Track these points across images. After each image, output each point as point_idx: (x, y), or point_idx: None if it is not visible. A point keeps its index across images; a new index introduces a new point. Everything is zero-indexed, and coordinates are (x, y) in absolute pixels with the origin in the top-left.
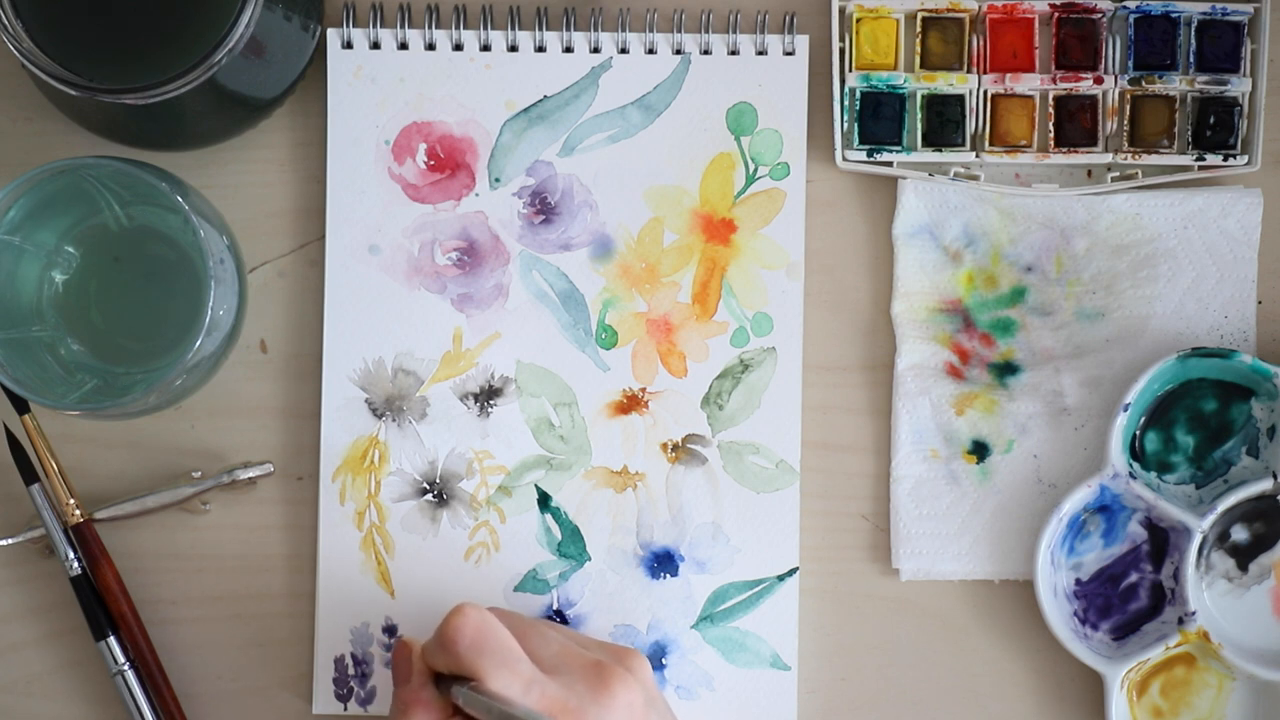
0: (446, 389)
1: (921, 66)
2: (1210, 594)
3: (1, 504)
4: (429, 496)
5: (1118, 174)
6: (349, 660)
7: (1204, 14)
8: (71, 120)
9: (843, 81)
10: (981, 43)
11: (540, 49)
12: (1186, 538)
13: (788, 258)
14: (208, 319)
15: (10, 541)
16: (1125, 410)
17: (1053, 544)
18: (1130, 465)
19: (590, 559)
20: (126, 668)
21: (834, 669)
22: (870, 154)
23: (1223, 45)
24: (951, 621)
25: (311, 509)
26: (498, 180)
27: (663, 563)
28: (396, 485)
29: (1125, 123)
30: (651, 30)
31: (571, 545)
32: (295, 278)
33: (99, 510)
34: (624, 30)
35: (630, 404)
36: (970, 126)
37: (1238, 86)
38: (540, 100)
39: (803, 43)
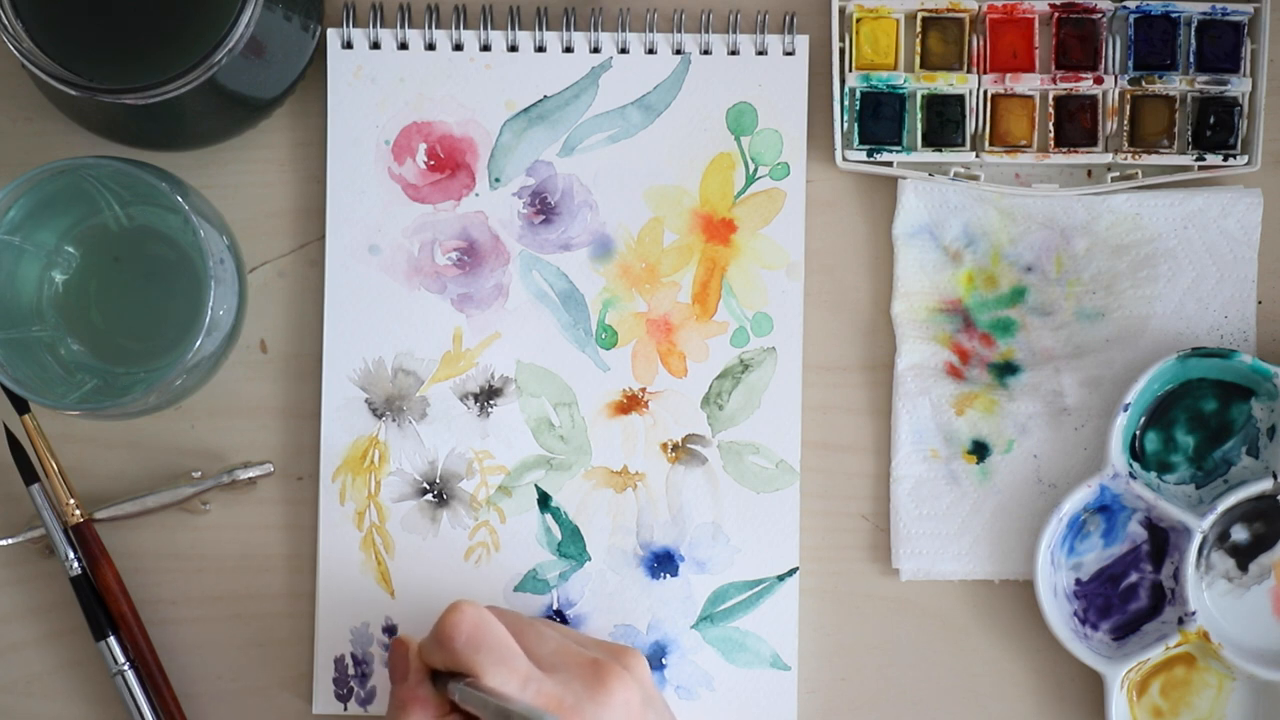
0: (446, 389)
1: (921, 66)
2: (1210, 594)
3: (1, 504)
4: (429, 496)
5: (1118, 174)
6: (349, 660)
7: (1204, 14)
8: (71, 120)
9: (843, 81)
10: (981, 43)
11: (540, 49)
12: (1186, 538)
13: (788, 258)
14: (208, 319)
15: (10, 541)
16: (1125, 410)
17: (1053, 544)
18: (1130, 465)
19: (590, 559)
20: (126, 668)
21: (834, 669)
22: (870, 154)
23: (1223, 45)
24: (951, 621)
25: (311, 509)
26: (498, 180)
27: (663, 563)
28: (396, 485)
29: (1125, 123)
30: (651, 30)
31: (571, 545)
32: (295, 278)
33: (99, 510)
34: (624, 30)
35: (630, 404)
36: (970, 126)
37: (1238, 86)
38: (540, 100)
39: (803, 43)
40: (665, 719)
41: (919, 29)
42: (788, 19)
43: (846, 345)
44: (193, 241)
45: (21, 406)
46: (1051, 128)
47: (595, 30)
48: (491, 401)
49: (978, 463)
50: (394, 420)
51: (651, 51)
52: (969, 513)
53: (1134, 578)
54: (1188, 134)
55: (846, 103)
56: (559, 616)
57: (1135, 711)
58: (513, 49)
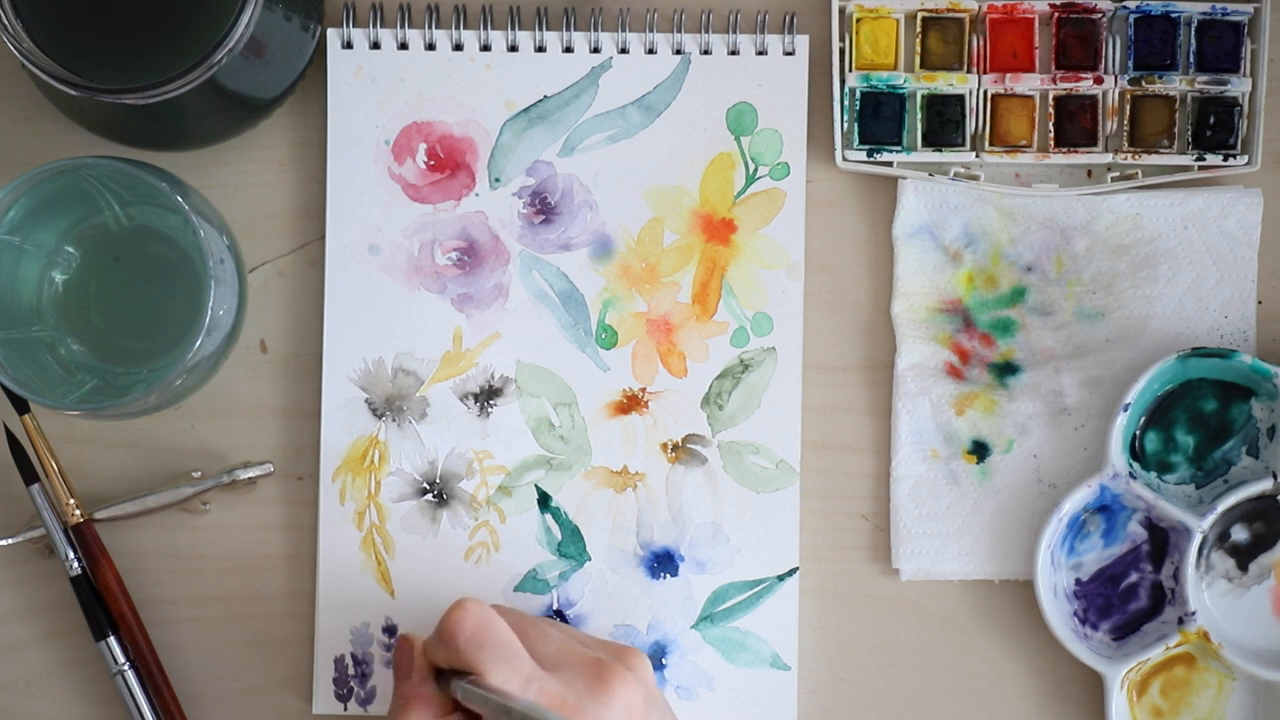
0: (446, 389)
1: (921, 66)
2: (1210, 594)
3: (1, 504)
4: (429, 496)
5: (1118, 174)
6: (349, 660)
7: (1204, 14)
8: (71, 120)
9: (843, 81)
10: (981, 43)
11: (540, 49)
12: (1186, 538)
13: (788, 258)
14: (208, 319)
15: (10, 541)
16: (1125, 410)
17: (1053, 544)
18: (1130, 465)
19: (590, 559)
20: (126, 668)
21: (834, 669)
22: (870, 154)
23: (1223, 45)
24: (951, 621)
25: (311, 509)
26: (498, 180)
27: (663, 563)
28: (396, 485)
29: (1125, 123)
30: (651, 30)
31: (571, 545)
32: (295, 278)
33: (99, 510)
34: (624, 30)
35: (630, 404)
36: (970, 126)
37: (1238, 86)
38: (540, 100)
39: (803, 43)
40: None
41: (919, 29)
42: (788, 19)
43: (846, 345)
44: (193, 241)
45: (21, 406)
46: (1051, 128)
47: (595, 30)
48: (491, 401)
49: (978, 463)
50: (394, 420)
51: (651, 51)
52: (969, 513)
53: (1134, 578)
54: (1188, 134)
55: (846, 103)
56: (559, 616)
57: (1135, 711)
58: (513, 49)
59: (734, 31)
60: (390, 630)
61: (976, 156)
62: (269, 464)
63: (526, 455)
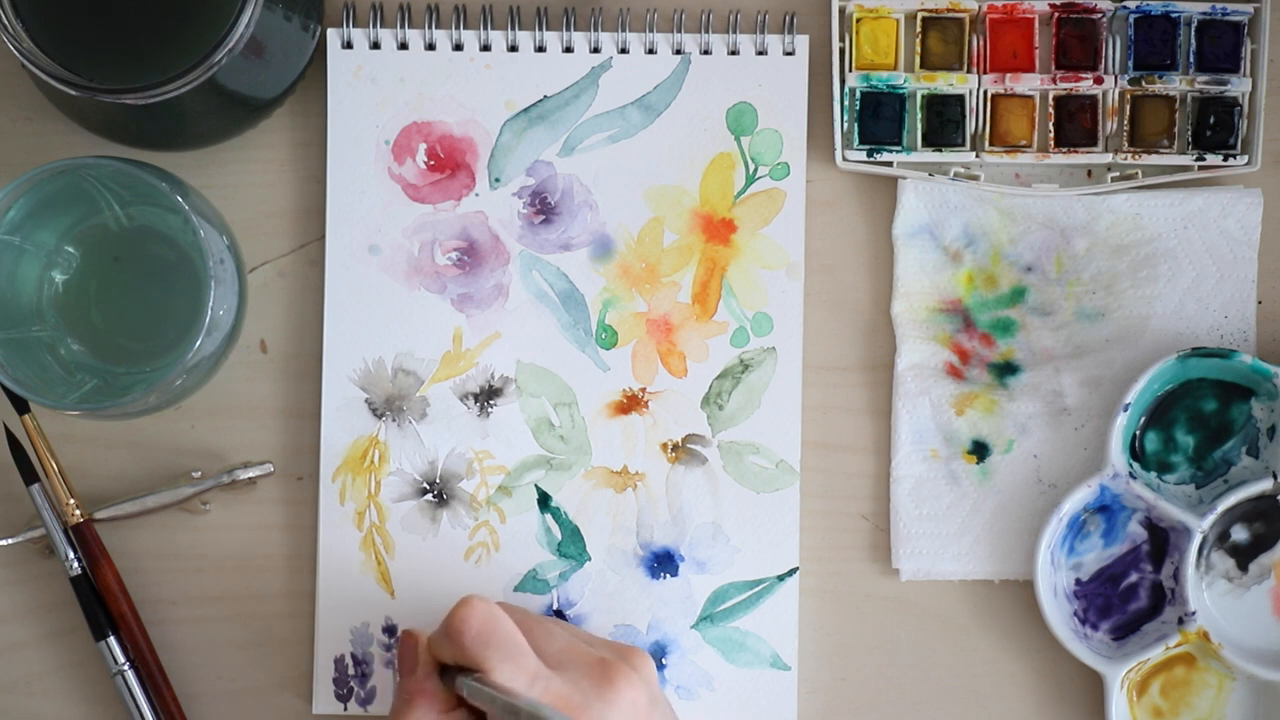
0: (446, 389)
1: (921, 66)
2: (1210, 594)
3: (1, 504)
4: (429, 496)
5: (1118, 174)
6: (349, 660)
7: (1204, 14)
8: (71, 120)
9: (843, 81)
10: (981, 43)
11: (540, 49)
12: (1186, 538)
13: (788, 258)
14: (208, 319)
15: (10, 541)
16: (1125, 410)
17: (1053, 544)
18: (1130, 465)
19: (590, 559)
20: (126, 668)
21: (834, 669)
22: (870, 154)
23: (1223, 45)
24: (951, 621)
25: (311, 509)
26: (498, 180)
27: (663, 563)
28: (396, 485)
29: (1125, 123)
30: (651, 30)
31: (571, 545)
32: (295, 278)
33: (99, 510)
34: (624, 30)
35: (630, 404)
36: (970, 126)
37: (1238, 86)
38: (540, 100)
39: (803, 43)
40: None
41: (919, 29)
42: (788, 19)
43: (846, 345)
44: (193, 241)
45: (21, 406)
46: (1051, 128)
47: (595, 30)
48: (491, 401)
49: (978, 463)
50: (394, 420)
51: (651, 51)
52: (969, 513)
53: (1134, 578)
54: (1188, 134)
55: (846, 103)
56: (559, 616)
57: (1135, 711)
58: (513, 49)
59: (734, 31)
60: (390, 630)
61: (976, 156)
62: (269, 464)
63: (526, 455)
